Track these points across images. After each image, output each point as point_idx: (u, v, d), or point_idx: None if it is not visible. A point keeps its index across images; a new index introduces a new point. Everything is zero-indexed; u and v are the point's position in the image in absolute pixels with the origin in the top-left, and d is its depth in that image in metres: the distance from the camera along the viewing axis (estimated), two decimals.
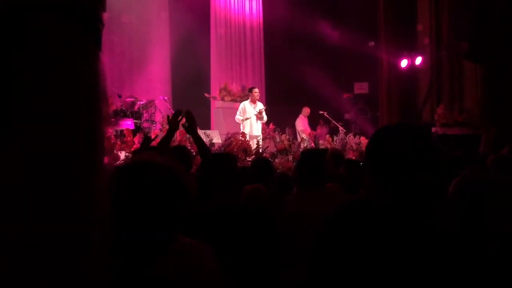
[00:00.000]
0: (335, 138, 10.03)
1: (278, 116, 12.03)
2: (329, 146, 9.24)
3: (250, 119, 9.37)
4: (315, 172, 2.97)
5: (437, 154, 1.43)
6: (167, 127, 7.78)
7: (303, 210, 2.77)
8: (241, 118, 9.41)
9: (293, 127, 11.46)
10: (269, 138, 9.84)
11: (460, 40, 10.34)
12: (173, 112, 8.72)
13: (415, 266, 1.34)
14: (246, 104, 9.59)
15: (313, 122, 12.83)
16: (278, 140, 9.28)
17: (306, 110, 11.92)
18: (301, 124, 11.64)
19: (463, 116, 10.78)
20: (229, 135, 8.44)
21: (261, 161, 3.92)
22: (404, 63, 12.84)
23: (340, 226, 1.48)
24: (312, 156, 3.13)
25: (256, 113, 9.43)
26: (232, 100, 11.66)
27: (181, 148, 3.99)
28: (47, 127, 0.70)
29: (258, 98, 9.75)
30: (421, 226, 1.39)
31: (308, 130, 11.16)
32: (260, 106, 9.68)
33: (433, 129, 10.95)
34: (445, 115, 10.92)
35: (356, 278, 1.38)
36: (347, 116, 14.74)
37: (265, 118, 9.63)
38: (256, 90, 9.80)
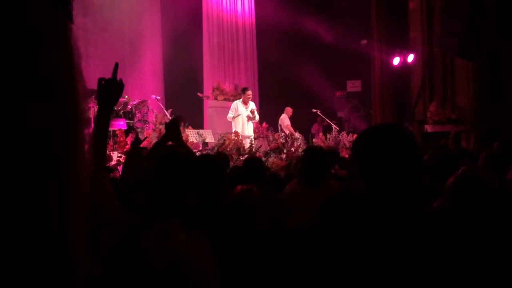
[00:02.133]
0: (328, 136, 10.04)
1: (271, 115, 12.01)
2: (322, 144, 9.24)
3: (243, 119, 9.35)
4: (320, 167, 3.07)
5: (416, 152, 1.53)
6: (160, 126, 7.76)
7: (308, 204, 2.81)
8: (232, 115, 9.40)
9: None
10: (263, 137, 9.83)
11: (452, 37, 10.36)
12: (165, 112, 8.71)
13: (397, 252, 1.39)
14: (238, 104, 9.57)
15: (307, 120, 12.82)
16: (271, 139, 9.27)
17: (288, 110, 11.80)
18: (286, 120, 11.54)
19: (456, 114, 10.81)
20: (222, 135, 8.41)
21: (252, 161, 3.91)
22: (396, 60, 12.86)
23: (328, 215, 1.57)
24: (317, 153, 3.23)
25: (248, 114, 9.42)
26: (225, 99, 11.61)
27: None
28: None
29: (250, 99, 9.73)
30: (400, 215, 1.45)
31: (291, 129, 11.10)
32: (252, 106, 9.67)
33: (426, 126, 10.99)
34: (437, 112, 10.94)
35: (347, 263, 1.44)
36: (340, 114, 14.75)
37: (257, 117, 9.62)
38: (249, 92, 9.78)
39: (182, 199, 1.71)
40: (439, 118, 10.86)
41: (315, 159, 3.14)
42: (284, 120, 11.51)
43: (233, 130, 8.93)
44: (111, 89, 2.04)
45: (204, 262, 1.60)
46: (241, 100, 9.67)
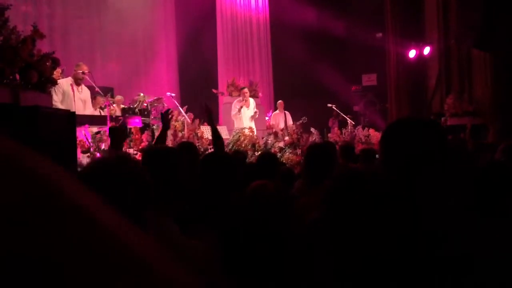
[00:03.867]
0: (343, 131, 9.99)
1: (286, 110, 12.00)
2: (337, 139, 9.21)
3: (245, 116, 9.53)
4: (322, 165, 2.99)
5: (446, 147, 1.52)
6: (175, 123, 7.82)
7: (310, 203, 2.79)
8: (235, 112, 9.59)
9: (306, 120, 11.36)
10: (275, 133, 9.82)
11: (469, 29, 10.21)
12: (180, 109, 8.77)
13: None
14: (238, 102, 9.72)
15: (323, 115, 12.76)
16: (285, 134, 9.27)
17: (279, 104, 11.64)
18: (274, 118, 11.44)
19: (473, 106, 10.67)
20: (237, 130, 8.45)
21: (267, 156, 3.91)
22: (412, 53, 12.73)
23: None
24: (321, 150, 3.15)
25: (252, 113, 9.60)
26: (240, 96, 11.63)
27: (188, 145, 3.97)
28: None
29: (247, 97, 9.84)
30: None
31: (281, 124, 10.92)
32: (252, 103, 9.72)
33: (443, 119, 10.87)
34: (454, 105, 10.80)
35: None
36: (356, 108, 14.67)
37: (257, 114, 9.72)
38: (245, 89, 9.97)
39: (172, 194, 1.70)
40: (456, 111, 10.72)
41: (317, 157, 3.06)
42: (275, 117, 11.39)
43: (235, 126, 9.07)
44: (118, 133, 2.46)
45: (199, 259, 1.60)
46: (241, 98, 9.75)
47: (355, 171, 1.82)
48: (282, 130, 9.70)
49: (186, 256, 1.56)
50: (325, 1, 14.29)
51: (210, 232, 1.83)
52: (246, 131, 8.36)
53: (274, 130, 9.67)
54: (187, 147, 3.82)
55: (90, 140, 5.76)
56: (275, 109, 12.35)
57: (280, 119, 11.27)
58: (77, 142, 4.93)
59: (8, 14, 3.64)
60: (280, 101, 11.74)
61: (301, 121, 10.72)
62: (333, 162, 3.12)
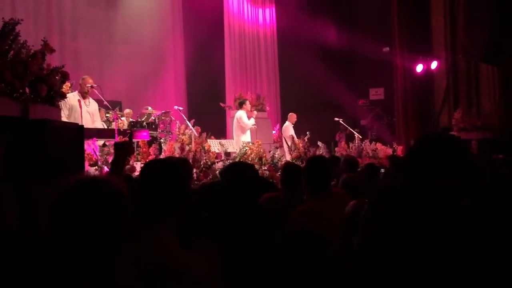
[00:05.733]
0: (350, 145, 9.97)
1: (293, 124, 12.01)
2: (344, 153, 9.19)
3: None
4: (322, 177, 3.10)
5: (468, 158, 1.74)
6: (182, 137, 7.83)
7: (316, 213, 2.86)
8: (250, 124, 9.72)
9: (311, 134, 11.32)
10: (283, 147, 9.84)
11: (476, 43, 10.21)
12: (188, 122, 8.80)
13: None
14: (243, 114, 9.81)
15: (330, 129, 12.76)
16: (293, 148, 9.25)
17: (292, 117, 11.64)
18: (287, 131, 11.46)
19: (481, 120, 10.62)
20: (244, 144, 8.46)
21: (289, 168, 3.90)
22: (419, 67, 12.73)
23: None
24: (317, 162, 3.26)
25: (252, 125, 9.77)
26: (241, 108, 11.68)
27: (184, 160, 3.91)
28: None
29: (249, 109, 10.04)
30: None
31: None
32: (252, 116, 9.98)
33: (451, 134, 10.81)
34: (463, 119, 10.77)
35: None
36: (363, 122, 14.65)
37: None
38: (247, 103, 10.18)
39: (174, 205, 1.71)
40: (465, 125, 10.68)
41: (316, 170, 3.18)
42: (286, 130, 11.36)
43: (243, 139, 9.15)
44: (123, 147, 2.46)
45: (199, 271, 1.58)
46: (243, 111, 9.86)
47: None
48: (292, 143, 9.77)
49: (187, 270, 1.55)
50: (332, 16, 14.38)
51: (211, 244, 1.83)
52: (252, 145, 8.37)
53: (285, 142, 9.87)
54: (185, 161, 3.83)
55: (98, 153, 5.79)
56: (282, 122, 12.39)
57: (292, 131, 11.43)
58: (85, 155, 4.95)
59: (19, 28, 3.69)
60: (292, 113, 11.76)
61: (305, 137, 10.77)
62: (331, 174, 3.27)
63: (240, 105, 10.19)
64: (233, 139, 9.88)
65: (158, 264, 1.52)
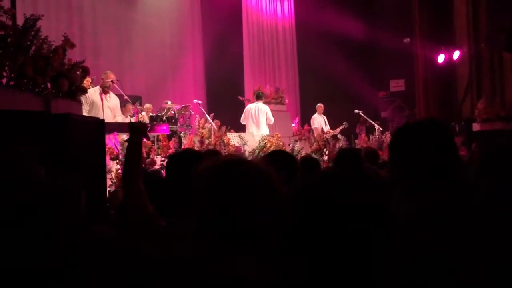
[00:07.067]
0: (371, 137, 9.89)
1: (322, 115, 12.01)
2: (364, 145, 9.12)
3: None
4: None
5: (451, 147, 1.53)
6: (202, 131, 7.87)
7: None
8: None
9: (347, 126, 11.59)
10: (305, 139, 9.82)
11: (500, 32, 9.98)
12: (207, 116, 8.83)
13: None
14: (268, 109, 10.25)
15: (350, 121, 12.66)
16: (313, 140, 9.23)
17: (319, 108, 11.91)
18: (314, 122, 11.60)
19: (506, 110, 10.40)
20: (263, 137, 8.46)
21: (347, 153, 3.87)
22: (441, 58, 12.51)
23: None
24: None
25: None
26: (266, 102, 11.65)
27: (214, 152, 3.94)
28: None
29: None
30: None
31: (324, 127, 11.13)
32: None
33: (474, 125, 10.63)
34: (486, 110, 10.55)
35: None
36: (383, 114, 14.50)
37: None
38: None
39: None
40: (488, 116, 10.47)
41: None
42: (313, 121, 11.58)
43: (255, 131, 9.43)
44: (139, 128, 2.38)
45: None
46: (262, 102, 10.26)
47: None
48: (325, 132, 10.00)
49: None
50: (352, 7, 14.20)
51: None
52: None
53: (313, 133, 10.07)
54: (214, 154, 3.82)
55: (119, 147, 5.85)
56: (302, 115, 12.40)
57: (321, 122, 11.56)
58: (106, 149, 5.01)
59: (40, 24, 3.73)
60: (320, 104, 11.89)
61: (343, 126, 10.94)
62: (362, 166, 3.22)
63: (260, 97, 10.31)
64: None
65: None
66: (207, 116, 9.05)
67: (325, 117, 11.88)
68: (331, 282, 1.30)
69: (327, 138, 9.40)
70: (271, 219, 1.23)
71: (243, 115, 10.31)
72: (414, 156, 1.49)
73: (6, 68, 3.43)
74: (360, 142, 9.76)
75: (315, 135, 9.96)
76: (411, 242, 1.36)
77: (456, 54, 12.23)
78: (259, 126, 9.93)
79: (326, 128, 11.34)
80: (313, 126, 11.28)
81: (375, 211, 1.36)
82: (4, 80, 3.45)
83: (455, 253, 1.32)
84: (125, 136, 6.59)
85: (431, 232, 1.35)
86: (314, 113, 12.01)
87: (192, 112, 10.20)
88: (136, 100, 9.69)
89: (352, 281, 1.29)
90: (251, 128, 9.93)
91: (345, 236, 1.31)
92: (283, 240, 1.30)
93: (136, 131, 2.32)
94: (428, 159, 1.47)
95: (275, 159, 2.73)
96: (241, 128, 10.33)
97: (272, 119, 10.11)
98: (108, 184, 5.19)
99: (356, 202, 1.38)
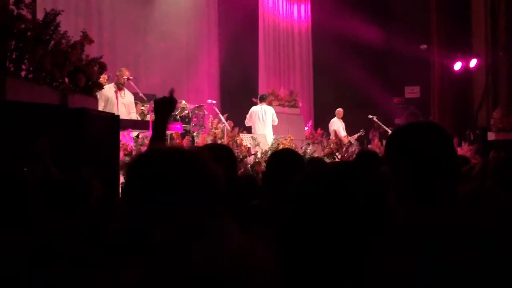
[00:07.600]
0: (384, 143, 9.82)
1: (327, 121, 11.97)
2: (377, 150, 9.07)
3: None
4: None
5: (450, 152, 1.48)
6: (215, 131, 7.89)
7: None
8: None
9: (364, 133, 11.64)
10: (317, 143, 9.81)
11: None
12: (221, 116, 8.85)
13: None
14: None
15: (364, 126, 12.61)
16: (325, 144, 9.21)
17: (338, 113, 11.90)
18: (333, 125, 11.61)
19: None
20: (276, 139, 8.46)
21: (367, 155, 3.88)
22: (458, 65, 12.40)
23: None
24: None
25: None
26: (279, 105, 11.67)
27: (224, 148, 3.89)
28: None
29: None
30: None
31: (342, 132, 11.11)
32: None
33: (489, 134, 10.51)
34: (502, 119, 10.44)
35: None
36: (397, 120, 14.39)
37: None
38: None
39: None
40: (504, 126, 10.36)
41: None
42: (332, 124, 11.56)
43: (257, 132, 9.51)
44: (165, 104, 2.36)
45: (262, 263, 1.36)
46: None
47: None
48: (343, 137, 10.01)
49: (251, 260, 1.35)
50: (368, 12, 14.15)
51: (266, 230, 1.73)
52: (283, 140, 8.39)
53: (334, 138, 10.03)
54: (224, 150, 3.82)
55: (132, 143, 5.89)
56: (315, 118, 12.39)
57: (340, 127, 11.60)
58: (120, 145, 5.05)
59: (59, 19, 3.78)
60: (339, 108, 11.89)
61: (360, 133, 10.97)
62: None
63: (264, 99, 10.40)
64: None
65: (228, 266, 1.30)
66: (220, 116, 9.07)
67: (343, 123, 11.87)
68: (330, 282, 1.30)
69: (340, 142, 9.38)
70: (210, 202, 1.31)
71: (247, 117, 10.32)
72: (410, 157, 1.46)
73: (26, 61, 3.48)
74: (373, 148, 9.72)
75: (331, 137, 10.06)
76: (410, 242, 1.34)
77: (473, 62, 12.11)
78: (267, 127, 9.97)
79: (344, 133, 11.31)
80: (330, 129, 11.30)
81: (373, 210, 1.36)
82: (23, 73, 3.51)
83: (454, 256, 1.31)
84: (137, 134, 6.64)
85: (429, 232, 1.34)
86: (328, 117, 11.99)
87: (206, 112, 10.23)
88: (151, 98, 9.73)
89: (348, 279, 1.29)
90: (258, 129, 9.93)
91: (342, 233, 1.31)
92: (281, 236, 1.34)
93: (163, 105, 2.32)
94: (426, 159, 1.45)
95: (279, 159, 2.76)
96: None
97: (276, 120, 10.18)
98: (121, 181, 5.23)
99: (355, 199, 1.37)
